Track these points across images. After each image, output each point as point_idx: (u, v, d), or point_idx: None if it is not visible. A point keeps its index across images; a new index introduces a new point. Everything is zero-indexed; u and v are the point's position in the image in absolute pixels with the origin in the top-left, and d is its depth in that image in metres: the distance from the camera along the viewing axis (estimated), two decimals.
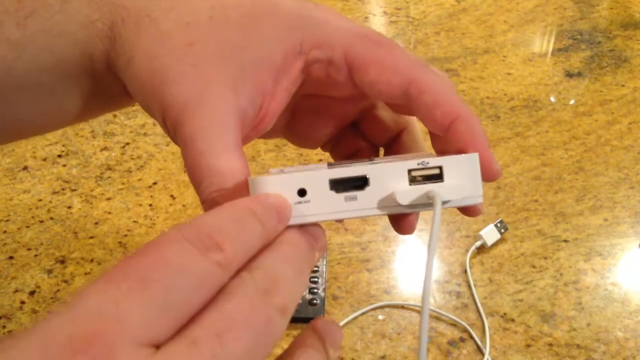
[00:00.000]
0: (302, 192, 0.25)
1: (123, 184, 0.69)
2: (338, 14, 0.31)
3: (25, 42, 0.30)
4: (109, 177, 0.70)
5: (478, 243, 0.62)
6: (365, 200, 0.25)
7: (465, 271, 0.60)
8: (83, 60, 0.31)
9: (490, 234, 0.63)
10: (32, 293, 0.58)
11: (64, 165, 0.72)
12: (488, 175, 0.28)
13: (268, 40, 0.29)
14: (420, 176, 0.26)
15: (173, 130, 0.29)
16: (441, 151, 0.30)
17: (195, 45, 0.29)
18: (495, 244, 0.63)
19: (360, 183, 0.25)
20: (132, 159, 0.73)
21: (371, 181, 0.25)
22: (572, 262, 0.62)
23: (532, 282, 0.60)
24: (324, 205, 0.25)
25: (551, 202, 0.68)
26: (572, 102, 0.84)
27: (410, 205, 0.25)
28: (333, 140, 0.36)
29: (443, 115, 0.28)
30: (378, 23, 1.01)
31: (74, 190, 0.69)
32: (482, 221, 0.65)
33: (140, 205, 0.67)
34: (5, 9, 0.30)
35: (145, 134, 0.77)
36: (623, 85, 0.87)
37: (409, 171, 0.25)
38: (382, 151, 0.36)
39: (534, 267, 0.61)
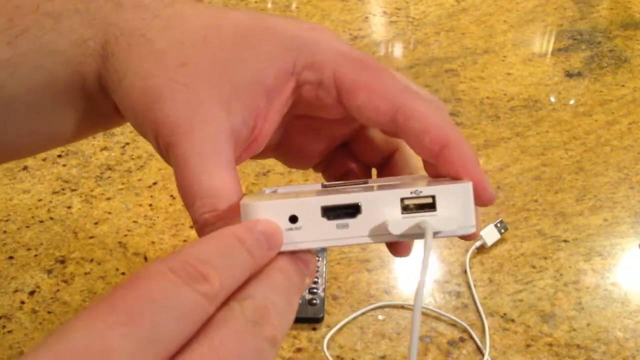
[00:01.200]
0: (293, 219, 0.25)
1: (123, 184, 0.70)
2: (332, 35, 0.30)
3: (17, 61, 0.30)
4: (109, 177, 0.70)
5: (478, 243, 0.62)
6: (356, 228, 0.25)
7: (465, 271, 0.60)
8: (75, 79, 0.31)
9: (490, 234, 0.63)
10: (32, 293, 0.58)
11: (64, 165, 0.72)
12: (482, 201, 0.27)
13: (261, 60, 0.29)
14: (413, 205, 0.25)
15: (165, 149, 0.28)
16: (434, 175, 0.30)
17: (188, 65, 0.29)
18: (495, 244, 0.63)
19: (352, 211, 0.25)
20: (132, 159, 0.73)
21: (363, 209, 0.25)
22: (572, 262, 0.62)
23: (532, 282, 0.60)
24: (315, 232, 0.25)
25: (551, 202, 0.68)
26: (572, 102, 0.84)
27: (402, 235, 0.25)
28: (325, 161, 0.36)
29: (432, 142, 0.28)
30: (378, 23, 1.01)
31: (74, 190, 0.69)
32: (482, 221, 0.65)
33: (140, 205, 0.67)
34: None
35: None
36: (623, 85, 0.87)
37: (402, 200, 0.25)
38: (375, 172, 0.36)
39: (534, 267, 0.61)
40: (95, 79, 0.31)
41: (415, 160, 0.34)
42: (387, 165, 0.35)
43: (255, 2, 1.05)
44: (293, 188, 0.33)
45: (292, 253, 0.25)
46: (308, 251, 0.26)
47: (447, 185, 0.25)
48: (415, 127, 0.28)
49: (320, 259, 0.60)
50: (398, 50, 0.94)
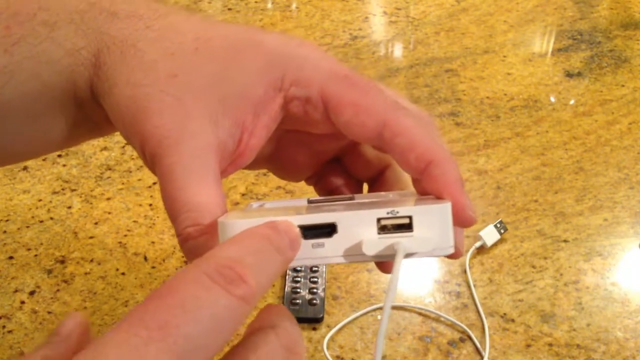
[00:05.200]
0: None
1: (123, 184, 0.70)
2: (320, 52, 0.31)
3: (13, 68, 0.30)
4: (109, 177, 0.70)
5: (478, 244, 0.62)
6: (332, 248, 0.25)
7: (465, 271, 0.60)
8: (68, 87, 0.31)
9: (489, 234, 0.63)
10: (32, 293, 0.58)
11: (64, 165, 0.72)
12: (461, 222, 0.27)
13: (250, 75, 0.29)
14: (390, 225, 0.25)
15: (151, 161, 0.29)
16: (422, 192, 0.30)
17: (178, 76, 0.29)
18: (494, 245, 0.63)
19: (328, 230, 0.25)
20: (132, 159, 0.73)
21: (340, 228, 0.25)
22: (572, 262, 0.62)
23: (532, 282, 0.60)
24: None
25: (551, 202, 0.68)
26: (572, 102, 0.84)
27: (376, 256, 0.25)
28: (317, 175, 0.36)
29: (417, 158, 0.28)
30: (378, 23, 1.01)
31: (74, 190, 0.69)
32: (482, 221, 0.65)
33: (140, 205, 0.67)
34: None
35: None
36: (623, 85, 0.87)
37: (378, 220, 0.25)
38: (366, 187, 0.36)
39: (534, 267, 0.61)
40: (88, 88, 0.31)
41: (407, 177, 0.34)
42: (378, 181, 0.35)
43: (256, 2, 1.05)
44: (280, 203, 0.33)
45: None
46: None
47: (424, 205, 0.25)
48: (401, 143, 0.28)
49: None
50: (398, 50, 0.94)
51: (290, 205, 0.31)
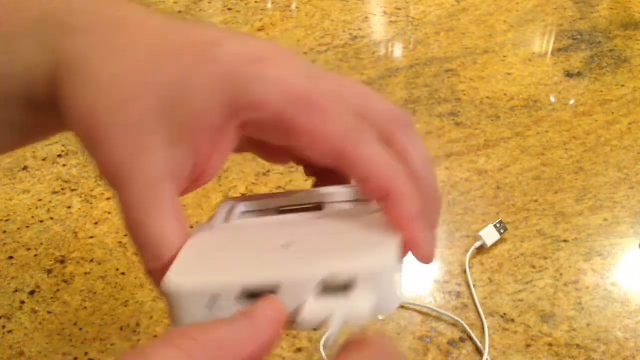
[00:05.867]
0: (213, 299, 0.25)
1: None
2: (284, 66, 0.28)
3: None
4: None
5: (478, 244, 0.62)
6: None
7: (465, 271, 0.60)
8: (25, 101, 0.31)
9: (489, 234, 0.63)
10: (32, 293, 0.58)
11: (64, 165, 0.72)
12: (417, 258, 0.27)
13: (203, 98, 0.28)
14: (332, 287, 0.25)
15: (113, 189, 0.29)
16: None
17: (130, 102, 0.28)
18: (494, 245, 0.63)
19: (272, 291, 0.25)
20: None
21: (282, 290, 0.25)
22: (572, 262, 0.62)
23: (532, 282, 0.60)
24: (233, 311, 0.25)
25: (551, 202, 0.68)
26: (572, 102, 0.84)
27: (315, 327, 0.25)
28: (301, 161, 0.36)
29: (373, 190, 0.28)
30: (378, 23, 1.01)
31: (74, 190, 0.69)
32: (482, 221, 0.65)
33: None
34: None
35: None
36: (623, 86, 0.87)
37: (319, 283, 0.25)
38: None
39: (534, 267, 0.61)
40: (47, 100, 0.30)
41: None
42: None
43: (256, 2, 1.05)
44: (255, 202, 0.33)
45: None
46: None
47: (366, 262, 0.25)
48: (357, 174, 0.28)
49: None
50: (398, 50, 0.94)
51: (258, 222, 0.31)
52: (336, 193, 0.33)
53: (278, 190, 0.69)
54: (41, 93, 0.30)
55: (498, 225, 0.63)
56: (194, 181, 0.30)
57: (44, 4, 0.30)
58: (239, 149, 0.33)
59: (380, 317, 0.26)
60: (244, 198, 0.34)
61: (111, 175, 0.28)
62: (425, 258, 0.28)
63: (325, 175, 0.35)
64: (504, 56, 0.92)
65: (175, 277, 0.26)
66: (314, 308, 0.25)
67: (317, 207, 0.32)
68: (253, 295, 0.25)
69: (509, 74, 0.89)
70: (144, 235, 0.28)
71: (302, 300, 0.25)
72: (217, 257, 0.27)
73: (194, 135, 0.28)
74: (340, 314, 0.24)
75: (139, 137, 0.28)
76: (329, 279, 0.25)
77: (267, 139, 0.30)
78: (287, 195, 0.34)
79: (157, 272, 0.28)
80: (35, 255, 0.62)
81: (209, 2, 1.04)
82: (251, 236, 0.30)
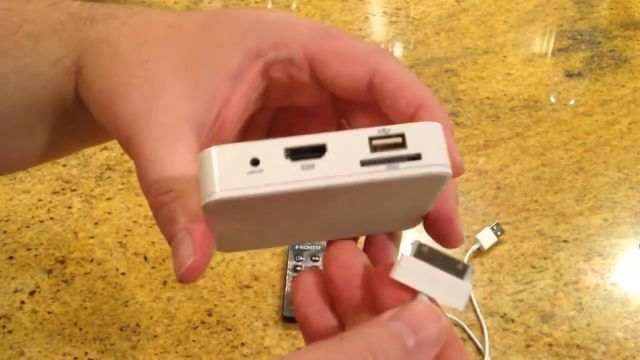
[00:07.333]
0: (255, 162, 0.24)
1: (123, 184, 0.69)
2: (294, 15, 0.30)
3: (0, 82, 0.30)
4: (109, 177, 0.70)
5: (474, 246, 0.62)
6: (323, 169, 0.24)
7: None
8: (55, 99, 0.31)
9: (486, 237, 0.62)
10: (32, 293, 0.58)
11: (64, 165, 0.72)
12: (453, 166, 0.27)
13: (223, 47, 0.29)
14: (382, 145, 0.24)
15: (126, 143, 0.28)
16: None
17: (149, 61, 0.29)
18: (492, 247, 0.63)
19: (318, 152, 0.24)
20: None
21: (329, 148, 0.24)
22: (572, 262, 0.62)
23: (532, 283, 0.60)
24: (278, 174, 0.24)
25: (551, 202, 0.68)
26: (572, 102, 0.84)
27: (369, 172, 0.24)
28: None
29: (407, 103, 0.28)
30: (378, 23, 1.01)
31: (74, 190, 0.69)
32: (482, 222, 0.65)
33: (140, 205, 0.67)
34: None
35: None
36: (623, 86, 0.87)
37: (370, 139, 0.24)
38: None
39: (533, 267, 0.61)
40: (74, 96, 0.31)
41: None
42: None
43: (256, 2, 1.05)
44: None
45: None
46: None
47: (415, 123, 0.25)
48: (391, 88, 0.28)
49: (320, 258, 0.60)
50: (398, 50, 0.94)
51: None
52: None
53: None
54: (68, 89, 0.31)
55: (495, 228, 0.63)
56: (215, 135, 0.30)
57: (72, 8, 0.31)
58: (265, 104, 0.32)
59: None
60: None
61: (127, 123, 0.28)
62: (459, 166, 0.27)
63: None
64: (504, 56, 0.92)
65: (206, 150, 0.24)
66: (368, 159, 0.24)
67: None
68: (297, 156, 0.24)
69: (509, 74, 0.89)
70: (156, 171, 0.26)
71: (353, 157, 0.24)
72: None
73: (213, 84, 0.28)
74: (394, 167, 0.24)
75: (157, 87, 0.28)
76: (379, 135, 0.24)
77: (294, 76, 0.30)
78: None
79: (166, 204, 0.26)
80: (35, 255, 0.62)
81: (209, 3, 1.04)
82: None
